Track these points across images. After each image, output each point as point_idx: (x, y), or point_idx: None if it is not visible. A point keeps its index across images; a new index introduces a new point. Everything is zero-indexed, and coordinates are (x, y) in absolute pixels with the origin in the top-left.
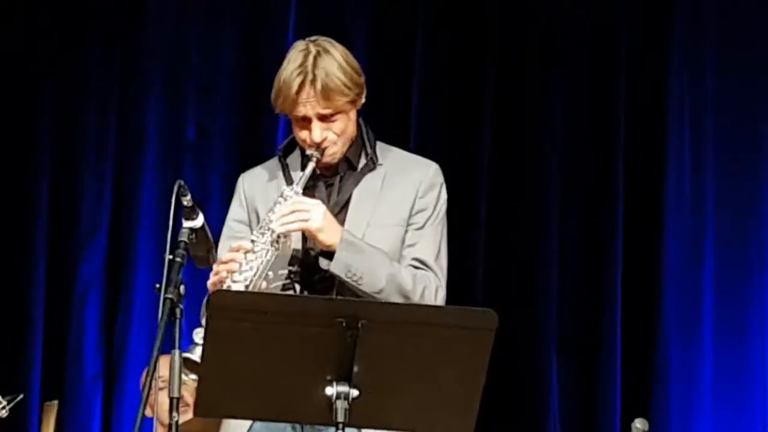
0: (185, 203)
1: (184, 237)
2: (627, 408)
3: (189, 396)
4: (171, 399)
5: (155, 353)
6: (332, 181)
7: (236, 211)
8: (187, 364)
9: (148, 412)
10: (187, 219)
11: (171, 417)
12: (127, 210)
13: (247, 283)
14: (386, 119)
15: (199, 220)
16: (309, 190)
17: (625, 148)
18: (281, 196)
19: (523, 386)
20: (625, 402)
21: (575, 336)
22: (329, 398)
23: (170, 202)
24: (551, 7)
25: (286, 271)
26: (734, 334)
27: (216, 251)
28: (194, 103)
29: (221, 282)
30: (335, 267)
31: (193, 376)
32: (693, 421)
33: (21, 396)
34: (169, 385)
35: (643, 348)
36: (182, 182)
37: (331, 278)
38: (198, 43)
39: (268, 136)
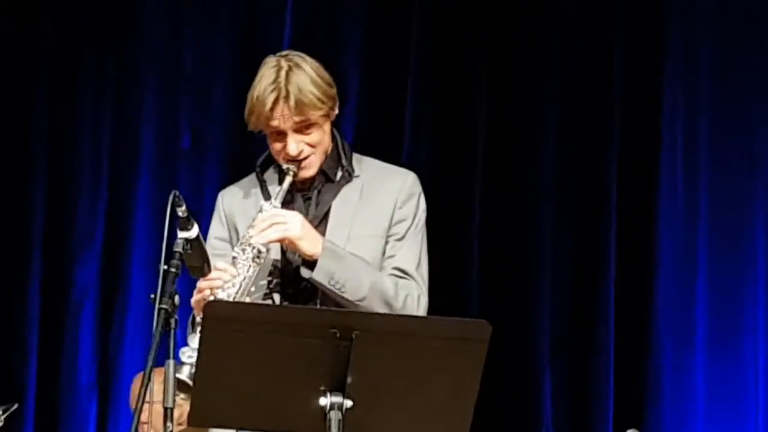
0: (180, 214)
1: (178, 247)
2: (619, 419)
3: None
4: (165, 409)
5: (150, 363)
6: (309, 195)
7: (217, 228)
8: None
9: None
10: (182, 229)
11: (165, 427)
12: (122, 219)
13: (231, 300)
14: (380, 123)
15: (194, 231)
16: (287, 204)
17: (618, 156)
18: (260, 211)
19: (516, 396)
20: (617, 413)
21: (568, 346)
22: (323, 409)
23: (165, 212)
24: (544, 14)
25: (265, 283)
26: (727, 346)
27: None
28: (189, 111)
29: (204, 299)
30: (318, 275)
31: (182, 395)
32: None
33: (16, 405)
34: (164, 395)
35: (636, 359)
36: (177, 193)
37: (311, 288)
38: (192, 50)
39: (263, 144)
